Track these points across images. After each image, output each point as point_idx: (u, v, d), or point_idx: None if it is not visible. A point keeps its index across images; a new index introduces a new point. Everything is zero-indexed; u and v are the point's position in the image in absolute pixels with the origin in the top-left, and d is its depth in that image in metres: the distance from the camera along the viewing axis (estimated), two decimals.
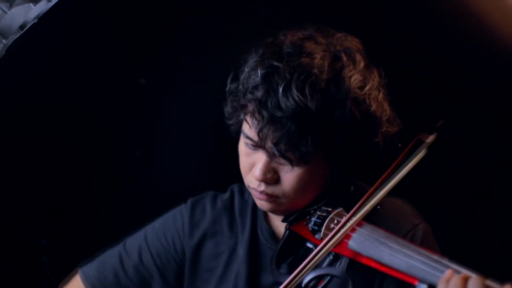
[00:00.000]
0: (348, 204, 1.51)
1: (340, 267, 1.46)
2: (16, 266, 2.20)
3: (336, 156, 1.52)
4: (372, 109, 1.52)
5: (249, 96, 1.51)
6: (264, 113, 1.48)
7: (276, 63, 1.50)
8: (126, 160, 2.38)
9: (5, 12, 1.70)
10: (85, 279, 1.77)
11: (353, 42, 1.58)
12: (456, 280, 1.26)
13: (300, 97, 1.45)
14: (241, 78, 1.55)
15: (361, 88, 1.52)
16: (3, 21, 1.70)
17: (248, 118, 1.53)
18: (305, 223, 1.55)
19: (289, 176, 1.53)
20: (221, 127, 1.66)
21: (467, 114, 2.10)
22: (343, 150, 1.51)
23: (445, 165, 2.15)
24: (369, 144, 1.54)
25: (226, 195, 1.77)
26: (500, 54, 1.95)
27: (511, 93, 2.03)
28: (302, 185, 1.54)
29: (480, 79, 2.06)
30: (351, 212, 1.46)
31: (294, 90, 1.46)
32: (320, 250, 1.45)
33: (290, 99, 1.46)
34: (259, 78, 1.50)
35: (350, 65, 1.52)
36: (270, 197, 1.57)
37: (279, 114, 1.47)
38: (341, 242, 1.45)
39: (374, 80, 1.55)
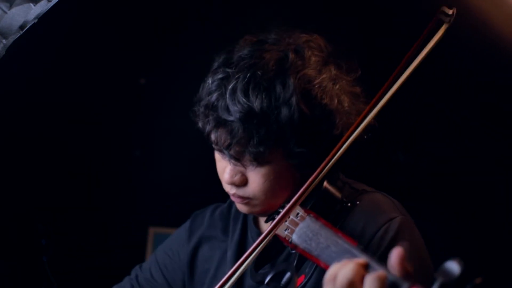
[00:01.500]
0: (319, 200, 1.51)
1: (290, 262, 1.49)
2: (16, 266, 2.20)
3: (294, 153, 1.53)
4: (324, 101, 1.52)
5: (203, 102, 1.55)
6: (214, 117, 1.52)
7: (227, 69, 1.53)
8: (126, 160, 2.38)
9: (5, 12, 1.70)
10: None
11: (310, 39, 1.58)
12: (349, 268, 1.22)
13: (244, 99, 1.48)
14: (201, 88, 1.59)
15: (310, 82, 1.52)
16: (3, 21, 1.70)
17: (204, 123, 1.57)
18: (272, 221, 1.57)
19: (255, 177, 1.55)
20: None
21: (467, 114, 2.10)
22: (300, 147, 1.52)
23: (445, 165, 2.16)
24: (328, 138, 1.54)
25: (226, 203, 1.80)
26: (500, 54, 1.95)
27: (511, 93, 2.03)
28: (268, 184, 1.55)
29: (480, 79, 2.06)
30: (293, 200, 1.47)
31: (239, 93, 1.49)
32: (258, 242, 1.48)
33: (236, 102, 1.49)
34: (212, 85, 1.54)
35: (298, 62, 1.52)
36: (243, 199, 1.59)
37: (228, 117, 1.50)
38: (284, 239, 1.47)
39: (328, 73, 1.54)
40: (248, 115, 1.48)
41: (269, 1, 2.11)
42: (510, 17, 1.87)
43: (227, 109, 1.50)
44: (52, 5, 1.68)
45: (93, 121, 2.25)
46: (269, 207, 1.59)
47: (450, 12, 1.52)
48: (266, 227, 1.67)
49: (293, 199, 1.47)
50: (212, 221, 1.79)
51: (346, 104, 1.56)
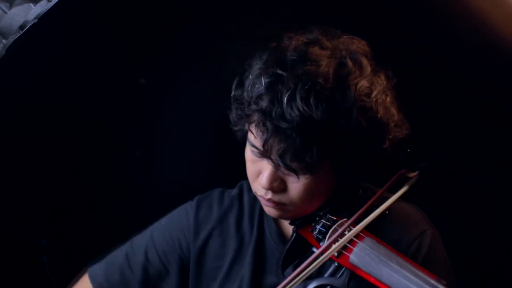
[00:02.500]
0: (355, 210, 1.49)
1: (341, 279, 1.44)
2: (16, 266, 2.20)
3: (342, 165, 1.50)
4: (379, 115, 1.49)
5: (253, 106, 1.49)
6: (269, 124, 1.45)
7: (280, 72, 1.46)
8: (126, 160, 2.38)
9: (5, 12, 1.70)
10: (92, 279, 1.77)
11: (359, 45, 1.55)
12: None
13: (305, 107, 1.42)
14: (246, 85, 1.52)
15: (368, 95, 1.48)
16: (3, 21, 1.70)
17: (252, 128, 1.51)
18: (310, 229, 1.54)
19: (296, 185, 1.51)
20: (221, 127, 1.66)
21: (467, 114, 2.10)
22: (351, 159, 1.49)
23: (445, 165, 2.16)
24: (376, 151, 1.51)
25: (235, 191, 1.76)
26: (500, 54, 1.95)
27: (511, 93, 2.03)
28: (308, 193, 1.52)
29: (480, 79, 2.06)
30: (348, 223, 1.45)
31: (299, 101, 1.42)
32: (317, 258, 1.44)
33: (295, 109, 1.42)
34: (263, 88, 1.47)
35: (356, 71, 1.48)
36: (277, 205, 1.55)
37: (283, 125, 1.44)
38: (342, 255, 1.43)
39: (381, 84, 1.51)
40: (307, 123, 1.43)
41: (269, 1, 2.11)
42: (510, 17, 1.87)
43: (283, 116, 1.44)
44: (52, 5, 1.68)
45: (93, 121, 2.24)
46: (301, 213, 1.57)
47: (411, 175, 1.51)
48: (286, 227, 1.65)
49: (362, 223, 1.44)
50: (223, 213, 1.74)
51: (395, 118, 1.53)
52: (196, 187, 2.02)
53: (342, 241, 1.43)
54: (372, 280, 1.37)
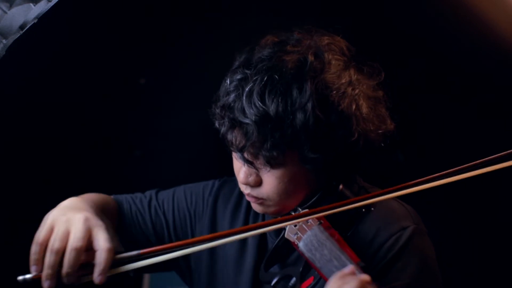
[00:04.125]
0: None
1: (297, 267, 1.51)
2: (16, 266, 2.19)
3: (308, 159, 1.52)
4: (341, 107, 1.50)
5: (220, 102, 1.56)
6: (229, 118, 1.52)
7: (246, 70, 1.53)
8: (126, 160, 2.38)
9: (5, 12, 1.70)
10: (116, 198, 1.83)
11: (332, 42, 1.57)
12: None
13: (260, 102, 1.48)
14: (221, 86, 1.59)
15: (328, 88, 1.50)
16: (3, 21, 1.70)
17: (220, 124, 1.58)
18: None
19: (269, 179, 1.56)
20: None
21: (467, 114, 2.10)
22: (314, 152, 1.51)
23: (445, 165, 2.16)
24: (344, 144, 1.53)
25: None
26: (500, 54, 1.95)
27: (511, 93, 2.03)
28: (282, 187, 1.56)
29: (480, 79, 2.06)
30: (306, 211, 1.48)
31: (255, 96, 1.48)
32: (259, 224, 1.53)
33: (252, 104, 1.48)
34: (230, 85, 1.54)
35: (317, 66, 1.51)
36: (257, 200, 1.60)
37: (244, 120, 1.50)
38: (293, 243, 1.49)
39: (348, 78, 1.53)
40: (263, 118, 1.48)
41: (270, 1, 2.11)
42: (510, 17, 1.87)
43: (243, 111, 1.50)
44: (52, 5, 1.68)
45: (93, 121, 2.25)
46: (283, 208, 1.60)
47: None
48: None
49: (311, 210, 1.47)
50: (240, 199, 1.79)
51: (364, 110, 1.54)
52: None
53: (288, 222, 1.48)
54: (311, 264, 1.44)
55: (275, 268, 1.60)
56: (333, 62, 1.54)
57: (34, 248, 1.46)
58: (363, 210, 1.55)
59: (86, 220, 1.45)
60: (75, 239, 1.41)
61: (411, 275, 1.49)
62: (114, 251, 1.42)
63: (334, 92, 1.51)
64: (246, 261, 1.71)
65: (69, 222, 1.46)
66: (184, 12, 2.13)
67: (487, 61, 2.01)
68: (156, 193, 1.86)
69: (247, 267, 1.69)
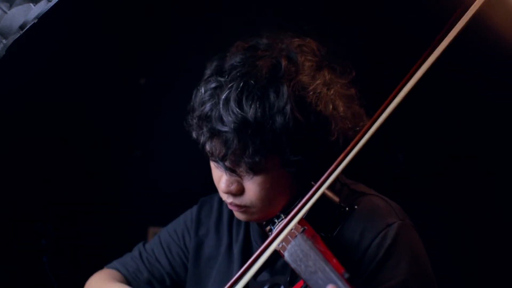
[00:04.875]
0: (316, 205, 1.48)
1: (285, 276, 1.49)
2: (16, 266, 2.20)
3: (290, 162, 1.51)
4: (319, 108, 1.50)
5: (196, 113, 1.54)
6: (207, 127, 1.50)
7: (220, 78, 1.51)
8: (126, 160, 2.38)
9: (5, 12, 1.70)
10: (109, 266, 1.86)
11: (302, 43, 1.56)
12: None
13: (237, 109, 1.46)
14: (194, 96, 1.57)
15: (304, 89, 1.49)
16: (3, 21, 1.70)
17: (199, 134, 1.55)
18: (268, 231, 1.57)
19: (251, 186, 1.54)
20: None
21: (467, 113, 2.10)
22: (295, 155, 1.50)
23: (445, 165, 2.16)
24: (324, 144, 1.52)
25: None
26: (500, 54, 1.95)
27: (511, 93, 2.03)
28: (265, 193, 1.54)
29: (480, 79, 2.06)
30: (287, 219, 1.44)
31: (232, 103, 1.46)
32: (254, 259, 1.46)
33: (230, 112, 1.46)
34: (205, 95, 1.52)
35: (291, 68, 1.50)
36: (240, 208, 1.58)
37: (222, 128, 1.48)
38: (279, 252, 1.45)
39: (322, 78, 1.52)
40: (242, 125, 1.46)
41: (270, 1, 2.11)
42: (510, 17, 1.87)
43: (221, 120, 1.48)
44: (52, 5, 1.68)
45: (93, 121, 2.25)
46: (267, 214, 1.59)
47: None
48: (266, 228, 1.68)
49: (289, 216, 1.44)
50: (220, 214, 1.79)
51: (341, 109, 1.53)
52: (196, 187, 2.02)
53: (269, 238, 1.45)
54: (297, 274, 1.41)
55: (264, 276, 1.57)
56: (306, 63, 1.53)
57: None
58: (347, 209, 1.52)
59: None
60: None
61: (405, 271, 1.48)
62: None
63: (311, 93, 1.50)
64: (233, 271, 1.70)
65: None
66: (184, 12, 2.13)
67: (487, 61, 2.01)
68: (143, 246, 1.86)
69: (233, 274, 1.68)
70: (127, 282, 1.82)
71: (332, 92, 1.53)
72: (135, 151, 2.41)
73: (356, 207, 1.53)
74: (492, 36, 1.85)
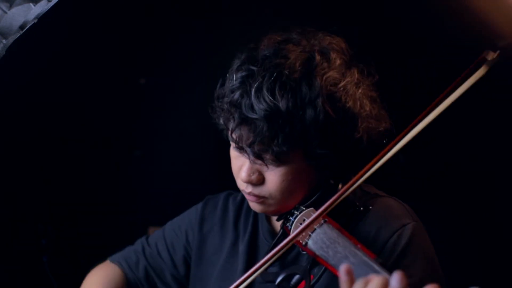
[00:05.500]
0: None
1: (303, 265, 1.50)
2: (16, 266, 2.20)
3: (315, 155, 1.54)
4: (348, 105, 1.53)
5: (226, 99, 1.55)
6: (238, 114, 1.52)
7: (251, 67, 1.53)
8: (126, 160, 2.38)
9: (5, 12, 1.70)
10: (111, 259, 1.89)
11: (333, 42, 1.60)
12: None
13: (270, 97, 1.48)
14: (225, 83, 1.59)
15: (335, 85, 1.52)
16: (3, 21, 1.70)
17: (227, 121, 1.58)
18: (286, 223, 1.58)
19: (273, 177, 1.56)
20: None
21: (467, 114, 2.10)
22: (321, 148, 1.53)
23: (445, 165, 2.16)
24: (350, 141, 1.55)
25: (240, 195, 1.83)
26: (499, 54, 1.94)
27: (511, 93, 2.03)
28: (286, 185, 1.56)
29: (479, 79, 2.05)
30: (317, 212, 1.46)
31: (265, 91, 1.49)
32: (277, 248, 1.48)
33: (262, 100, 1.49)
34: (236, 82, 1.54)
35: (324, 64, 1.53)
36: (259, 198, 1.60)
37: (252, 115, 1.50)
38: (297, 242, 1.48)
39: (352, 77, 1.56)
40: (273, 113, 1.48)
41: (270, 1, 2.11)
42: (510, 17, 1.87)
43: (252, 107, 1.50)
44: (52, 5, 1.68)
45: (93, 121, 2.25)
46: (283, 207, 1.60)
47: (490, 57, 1.51)
48: (277, 225, 1.69)
49: (320, 210, 1.45)
50: (225, 211, 1.81)
51: (367, 108, 1.57)
52: (196, 187, 2.02)
53: (302, 227, 1.47)
54: (322, 262, 1.43)
55: (275, 267, 1.59)
56: (338, 61, 1.56)
57: None
58: (361, 209, 1.56)
59: None
60: None
61: (421, 270, 1.51)
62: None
63: (341, 89, 1.53)
64: (237, 268, 1.71)
65: None
66: (184, 12, 2.13)
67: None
68: (147, 240, 1.89)
69: (238, 273, 1.70)
70: (125, 279, 1.84)
71: (360, 91, 1.57)
72: (135, 151, 2.41)
73: (370, 207, 1.57)
74: (492, 36, 1.85)
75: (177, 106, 2.28)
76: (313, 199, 1.58)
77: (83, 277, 1.88)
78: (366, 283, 1.23)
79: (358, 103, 1.55)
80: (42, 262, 2.21)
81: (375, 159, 1.45)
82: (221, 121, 1.59)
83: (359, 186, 1.63)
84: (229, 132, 1.57)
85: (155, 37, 2.17)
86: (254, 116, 1.50)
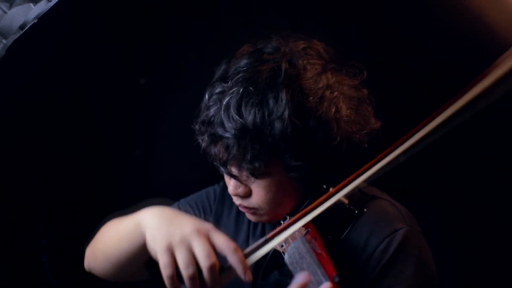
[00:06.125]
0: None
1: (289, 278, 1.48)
2: (16, 266, 2.20)
3: (291, 166, 1.51)
4: (319, 113, 1.48)
5: (201, 118, 1.56)
6: (210, 133, 1.52)
7: (223, 83, 1.52)
8: (126, 160, 2.38)
9: (5, 12, 1.70)
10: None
11: (309, 46, 1.56)
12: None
13: (237, 116, 1.47)
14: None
15: (303, 94, 1.48)
16: (3, 21, 1.70)
17: (201, 138, 1.58)
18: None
19: (257, 189, 1.56)
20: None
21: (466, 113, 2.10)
22: (296, 160, 1.49)
23: (445, 165, 2.16)
24: (326, 149, 1.51)
25: None
26: (500, 54, 1.94)
27: (511, 93, 2.03)
28: (271, 196, 1.56)
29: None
30: (287, 222, 1.44)
31: (232, 109, 1.47)
32: (252, 248, 1.44)
33: (230, 118, 1.48)
34: (208, 100, 1.54)
35: (292, 73, 1.50)
36: (249, 209, 1.61)
37: (223, 134, 1.49)
38: (282, 252, 1.45)
39: (326, 81, 1.51)
40: (241, 131, 1.47)
41: (270, 1, 2.11)
42: (510, 17, 1.87)
43: (222, 125, 1.49)
44: (52, 5, 1.68)
45: (93, 121, 2.25)
46: (276, 216, 1.60)
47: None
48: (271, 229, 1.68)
49: (292, 219, 1.43)
50: None
51: (344, 112, 1.52)
52: (196, 187, 2.02)
53: (273, 232, 1.44)
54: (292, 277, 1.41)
55: (274, 275, 1.58)
56: (309, 67, 1.52)
57: (170, 282, 1.36)
58: (356, 212, 1.53)
59: (198, 231, 1.36)
60: (205, 258, 1.33)
61: (409, 278, 1.48)
62: (240, 248, 1.38)
63: (311, 98, 1.49)
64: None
65: (185, 241, 1.36)
66: (184, 12, 2.13)
67: (487, 61, 2.01)
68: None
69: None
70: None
71: (335, 94, 1.51)
72: (135, 151, 2.41)
73: (365, 210, 1.53)
74: (492, 37, 1.85)
75: (177, 106, 2.28)
76: (303, 206, 1.55)
77: (83, 277, 1.87)
78: None
79: (333, 108, 1.50)
80: (42, 262, 2.21)
81: (367, 165, 1.40)
82: (199, 140, 1.59)
83: (359, 188, 1.61)
84: (203, 150, 1.57)
85: (155, 37, 2.17)
86: (225, 134, 1.48)
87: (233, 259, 1.34)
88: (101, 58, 2.13)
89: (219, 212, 1.79)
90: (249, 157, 1.48)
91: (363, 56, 1.66)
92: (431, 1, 1.99)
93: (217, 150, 1.53)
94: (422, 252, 1.55)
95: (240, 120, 1.46)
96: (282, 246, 1.45)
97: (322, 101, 1.49)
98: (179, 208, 1.83)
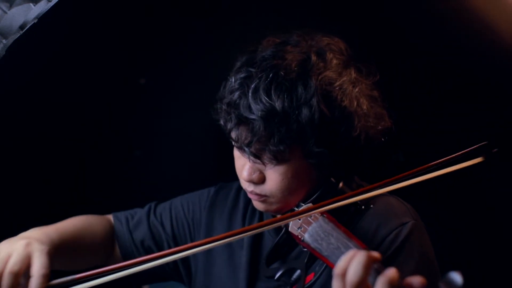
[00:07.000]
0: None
1: (301, 260, 1.56)
2: None
3: (313, 153, 1.57)
4: (344, 104, 1.56)
5: (225, 100, 1.60)
6: (236, 114, 1.57)
7: (250, 69, 1.58)
8: (126, 160, 2.38)
9: (5, 12, 1.70)
10: (115, 215, 1.94)
11: (331, 42, 1.64)
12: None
13: (266, 98, 1.53)
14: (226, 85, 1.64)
15: (331, 84, 1.56)
16: (3, 21, 1.70)
17: (227, 121, 1.62)
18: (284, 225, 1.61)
19: (273, 175, 1.60)
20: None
21: (466, 113, 2.10)
22: (318, 147, 1.56)
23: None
24: (347, 139, 1.58)
25: None
26: (500, 54, 1.95)
27: (511, 93, 2.03)
28: (286, 183, 1.60)
29: (480, 79, 2.06)
30: (313, 206, 1.52)
31: (261, 92, 1.53)
32: (264, 223, 1.54)
33: (258, 100, 1.53)
34: (235, 84, 1.59)
35: (320, 64, 1.57)
36: (260, 197, 1.64)
37: (249, 115, 1.54)
38: (296, 237, 1.53)
39: (349, 76, 1.60)
40: (269, 114, 1.53)
41: (270, 1, 2.11)
42: (510, 17, 1.87)
43: (249, 108, 1.54)
44: (52, 5, 1.68)
45: (93, 121, 2.25)
46: (285, 205, 1.64)
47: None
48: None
49: (316, 205, 1.51)
50: (236, 201, 1.84)
51: (364, 107, 1.60)
52: (196, 187, 2.02)
53: (292, 213, 1.53)
54: (316, 254, 1.48)
55: (276, 265, 1.63)
56: (334, 61, 1.60)
57: None
58: (363, 207, 1.58)
59: (28, 245, 1.51)
60: (12, 263, 1.47)
61: (414, 268, 1.53)
62: (47, 277, 1.49)
63: (337, 88, 1.57)
64: (241, 260, 1.73)
65: (12, 247, 1.52)
66: (184, 12, 2.13)
67: (487, 61, 2.01)
68: (155, 206, 1.92)
69: (242, 266, 1.72)
70: (113, 236, 1.87)
71: (357, 90, 1.60)
72: (135, 151, 2.41)
73: (371, 206, 1.60)
74: (491, 37, 1.85)
75: (177, 106, 2.28)
76: (313, 197, 1.61)
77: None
78: (351, 258, 1.27)
79: (355, 102, 1.58)
80: None
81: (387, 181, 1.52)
82: (221, 122, 1.63)
83: (360, 185, 1.66)
84: (228, 132, 1.61)
85: (155, 37, 2.17)
86: (251, 116, 1.54)
87: (33, 283, 1.47)
88: (101, 58, 2.13)
89: (209, 213, 1.85)
90: (275, 140, 1.53)
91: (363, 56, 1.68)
92: (431, 1, 1.99)
93: (240, 132, 1.57)
94: (426, 245, 1.62)
95: (270, 102, 1.52)
96: (299, 228, 1.52)
97: (346, 93, 1.58)
98: (171, 206, 1.89)
